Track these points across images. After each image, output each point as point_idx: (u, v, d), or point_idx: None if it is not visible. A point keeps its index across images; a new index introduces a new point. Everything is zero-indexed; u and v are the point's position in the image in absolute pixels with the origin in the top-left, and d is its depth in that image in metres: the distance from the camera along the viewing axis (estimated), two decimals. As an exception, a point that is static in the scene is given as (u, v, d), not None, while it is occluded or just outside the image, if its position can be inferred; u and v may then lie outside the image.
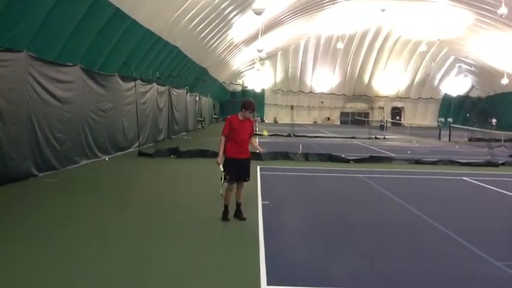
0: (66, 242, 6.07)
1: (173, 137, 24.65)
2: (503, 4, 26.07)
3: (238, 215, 7.40)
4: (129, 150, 17.18)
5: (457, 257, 5.96)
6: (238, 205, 7.43)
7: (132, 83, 17.53)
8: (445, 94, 60.75)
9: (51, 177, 10.81)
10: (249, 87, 57.64)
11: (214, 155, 16.08)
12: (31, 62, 10.48)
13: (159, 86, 21.86)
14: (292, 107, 56.82)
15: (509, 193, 10.99)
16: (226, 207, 7.40)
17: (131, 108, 17.52)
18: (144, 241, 6.21)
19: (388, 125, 49.12)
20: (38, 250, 5.70)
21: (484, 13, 35.44)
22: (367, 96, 60.81)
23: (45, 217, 7.38)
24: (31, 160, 10.57)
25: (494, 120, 49.20)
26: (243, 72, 55.47)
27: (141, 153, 16.21)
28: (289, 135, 28.97)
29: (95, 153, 14.18)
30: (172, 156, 16.10)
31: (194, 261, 5.51)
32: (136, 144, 17.93)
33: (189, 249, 5.97)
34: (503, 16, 27.70)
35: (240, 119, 7.31)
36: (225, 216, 7.37)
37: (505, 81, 45.75)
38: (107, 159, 14.71)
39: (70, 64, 12.40)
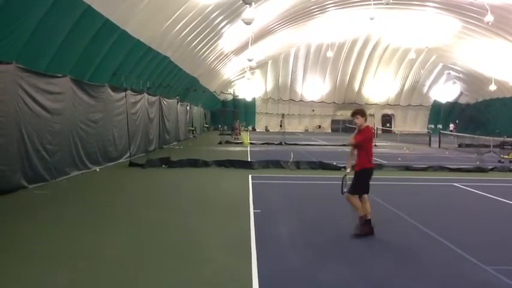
0: (51, 257, 5.98)
1: (164, 147, 24.59)
2: (489, 12, 26.45)
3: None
4: (120, 161, 17.11)
5: (447, 263, 6.00)
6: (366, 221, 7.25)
7: (123, 94, 17.51)
8: (435, 101, 61.33)
9: (41, 189, 10.74)
10: (240, 97, 57.87)
11: (205, 164, 16.21)
12: (20, 74, 10.44)
13: (150, 96, 21.85)
14: (283, 115, 56.97)
15: (498, 198, 11.09)
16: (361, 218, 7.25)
17: (122, 118, 17.48)
18: (132, 256, 6.13)
19: (378, 132, 49.41)
20: (21, 266, 5.60)
21: (471, 21, 35.96)
22: (358, 104, 61.04)
23: (33, 231, 7.28)
24: (21, 172, 10.49)
25: (452, 125, 50.13)
26: (233, 81, 55.66)
27: (132, 164, 16.16)
28: (280, 144, 29.02)
29: (86, 164, 14.11)
30: (163, 166, 16.07)
31: (185, 274, 5.48)
32: (127, 154, 17.86)
33: (179, 261, 5.93)
34: (490, 24, 28.11)
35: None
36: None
37: (492, 87, 46.32)
38: (97, 170, 14.64)
39: (60, 75, 12.37)
